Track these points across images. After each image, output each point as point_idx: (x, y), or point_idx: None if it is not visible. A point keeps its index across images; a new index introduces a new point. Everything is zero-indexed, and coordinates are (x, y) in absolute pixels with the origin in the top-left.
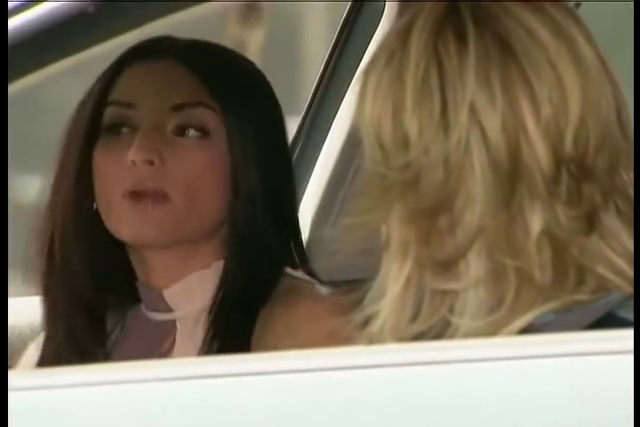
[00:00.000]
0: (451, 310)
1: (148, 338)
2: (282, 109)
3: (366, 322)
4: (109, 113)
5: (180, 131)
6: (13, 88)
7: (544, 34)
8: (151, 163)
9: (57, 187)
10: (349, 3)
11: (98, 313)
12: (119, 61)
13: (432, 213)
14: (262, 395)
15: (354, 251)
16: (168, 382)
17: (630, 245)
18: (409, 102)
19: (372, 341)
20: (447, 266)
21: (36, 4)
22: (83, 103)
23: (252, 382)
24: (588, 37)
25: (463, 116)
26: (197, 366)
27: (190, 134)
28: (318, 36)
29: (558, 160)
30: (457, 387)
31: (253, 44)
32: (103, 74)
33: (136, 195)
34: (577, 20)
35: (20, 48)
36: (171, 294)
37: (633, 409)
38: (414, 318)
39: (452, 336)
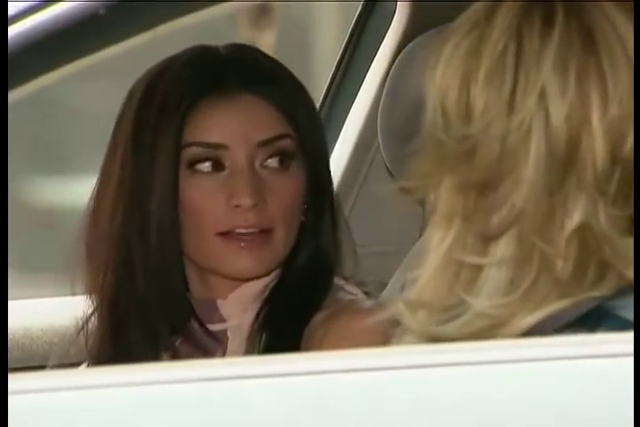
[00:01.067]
0: (469, 289)
1: (199, 349)
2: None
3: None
4: (193, 151)
5: (269, 161)
6: (25, 90)
7: (629, 33)
8: (256, 205)
9: (133, 208)
10: (361, 3)
11: (154, 324)
12: (190, 97)
13: (481, 188)
14: (277, 397)
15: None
16: (173, 385)
17: None
18: (481, 76)
19: (406, 307)
20: (484, 241)
21: (48, 6)
22: (153, 149)
23: (267, 384)
24: None
25: (532, 99)
26: (207, 368)
27: (277, 164)
28: (330, 36)
29: (614, 159)
30: (459, 390)
31: (265, 46)
32: (173, 110)
33: (238, 234)
34: None
35: (32, 50)
36: (225, 305)
37: (633, 412)
38: (451, 289)
39: (462, 314)
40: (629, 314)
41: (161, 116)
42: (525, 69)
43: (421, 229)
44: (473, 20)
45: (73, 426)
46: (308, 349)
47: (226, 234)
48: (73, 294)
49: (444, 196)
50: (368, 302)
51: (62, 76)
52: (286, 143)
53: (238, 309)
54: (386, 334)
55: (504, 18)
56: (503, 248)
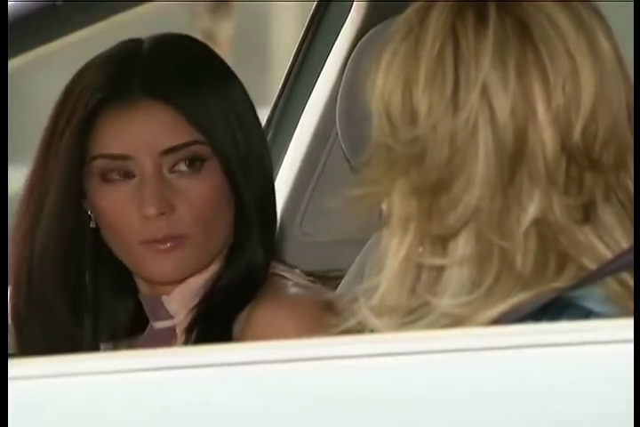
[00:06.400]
0: (434, 291)
1: (151, 346)
2: (252, 101)
3: (364, 296)
4: (101, 163)
5: (178, 166)
6: None
7: (565, 24)
8: (162, 213)
9: (47, 215)
10: None
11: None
12: (92, 105)
13: (434, 190)
14: (236, 387)
15: (356, 224)
16: (165, 371)
17: (623, 241)
18: (421, 78)
19: (370, 314)
20: (442, 242)
21: None
22: (57, 154)
23: (223, 373)
24: (609, 34)
25: (474, 95)
26: (190, 356)
27: (187, 168)
28: (288, 27)
29: (563, 149)
30: (450, 377)
31: (223, 36)
32: (75, 123)
33: (153, 242)
34: (599, 16)
35: None
36: (169, 301)
37: (633, 399)
38: (412, 291)
39: (427, 314)
40: (591, 304)
41: (68, 123)
42: (465, 67)
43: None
44: (407, 24)
45: (72, 413)
46: (242, 337)
47: (147, 244)
48: None
49: (398, 200)
50: (295, 289)
51: (18, 64)
52: (195, 148)
53: (183, 305)
54: (308, 324)
55: (437, 19)
56: (462, 247)
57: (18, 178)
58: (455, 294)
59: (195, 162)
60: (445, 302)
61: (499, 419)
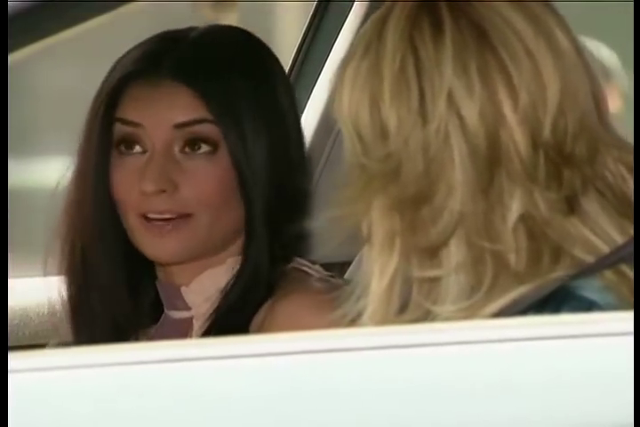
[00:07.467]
0: (434, 300)
1: (167, 336)
2: (294, 97)
3: (354, 317)
4: (119, 129)
5: (190, 147)
6: None
7: (521, 23)
8: (163, 191)
9: (77, 197)
10: None
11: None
12: (120, 79)
13: (415, 202)
14: (244, 379)
15: (337, 242)
16: (165, 364)
17: (609, 229)
18: (387, 94)
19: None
20: (431, 253)
21: None
22: (90, 120)
23: (235, 365)
24: (565, 27)
25: (441, 105)
26: (191, 348)
27: (201, 150)
28: (291, 21)
29: (537, 146)
30: (451, 370)
31: None
32: (106, 90)
33: (154, 220)
34: (552, 10)
35: None
36: (187, 292)
37: (633, 391)
38: (402, 310)
39: (431, 322)
40: (591, 293)
41: (98, 97)
42: (428, 78)
43: None
44: (366, 38)
45: (72, 405)
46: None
47: (145, 218)
48: (45, 274)
49: (379, 218)
50: (317, 284)
51: (23, 56)
52: (206, 129)
53: (201, 297)
54: (327, 318)
55: (394, 30)
56: (455, 255)
57: (17, 171)
58: (455, 300)
59: (207, 145)
60: (447, 308)
61: (498, 411)
